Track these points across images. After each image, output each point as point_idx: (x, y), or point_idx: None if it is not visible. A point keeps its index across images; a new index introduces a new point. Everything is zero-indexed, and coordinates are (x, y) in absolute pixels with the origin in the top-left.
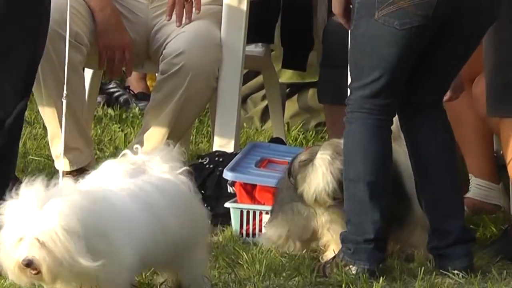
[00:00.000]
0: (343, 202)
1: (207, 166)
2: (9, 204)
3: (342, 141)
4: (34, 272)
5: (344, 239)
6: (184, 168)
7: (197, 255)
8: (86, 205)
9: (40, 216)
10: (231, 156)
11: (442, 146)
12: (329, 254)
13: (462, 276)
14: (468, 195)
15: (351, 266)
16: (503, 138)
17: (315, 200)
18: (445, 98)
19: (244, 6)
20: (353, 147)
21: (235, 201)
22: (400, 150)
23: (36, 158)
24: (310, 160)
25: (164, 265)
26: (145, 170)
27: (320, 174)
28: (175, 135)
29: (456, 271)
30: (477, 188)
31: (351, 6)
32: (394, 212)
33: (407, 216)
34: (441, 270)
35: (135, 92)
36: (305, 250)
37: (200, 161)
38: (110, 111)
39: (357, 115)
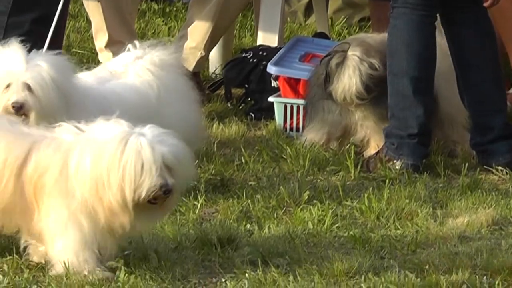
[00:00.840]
0: (373, 100)
1: (251, 60)
2: None
3: (370, 35)
4: (21, 117)
5: (387, 134)
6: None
7: None
8: (68, 66)
9: (28, 64)
10: (275, 50)
11: (484, 41)
12: (371, 148)
13: (506, 172)
14: (510, 91)
15: (394, 161)
16: None
17: (343, 100)
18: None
19: None
20: (397, 43)
21: (279, 95)
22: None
23: (79, 51)
24: (342, 61)
25: None
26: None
27: (347, 75)
28: (219, 29)
29: (500, 167)
30: None
31: None
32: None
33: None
34: (484, 166)
35: None
36: (348, 145)
37: (243, 55)
38: (153, 5)
39: (401, 10)
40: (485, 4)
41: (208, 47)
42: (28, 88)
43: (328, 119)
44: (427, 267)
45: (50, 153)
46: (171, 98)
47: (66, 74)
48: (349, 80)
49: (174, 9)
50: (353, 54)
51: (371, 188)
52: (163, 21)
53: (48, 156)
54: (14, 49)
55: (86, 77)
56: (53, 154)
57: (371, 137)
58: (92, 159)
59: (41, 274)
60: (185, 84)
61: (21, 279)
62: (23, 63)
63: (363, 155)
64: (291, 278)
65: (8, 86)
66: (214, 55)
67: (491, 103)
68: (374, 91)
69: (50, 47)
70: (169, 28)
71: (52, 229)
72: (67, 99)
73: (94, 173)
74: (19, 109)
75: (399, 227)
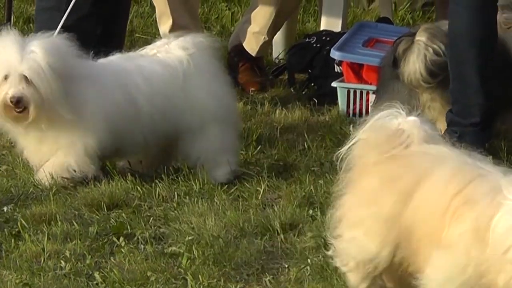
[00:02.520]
0: (441, 83)
1: (314, 45)
2: None
3: (443, 22)
4: (19, 110)
5: (450, 122)
6: (190, 52)
7: (209, 139)
8: (67, 45)
9: (25, 54)
10: (338, 35)
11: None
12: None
13: None
14: None
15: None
16: None
17: (410, 83)
18: None
19: None
20: (458, 29)
21: (342, 81)
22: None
23: (143, 36)
24: (409, 46)
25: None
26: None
27: (412, 61)
28: (283, 14)
29: None
30: None
31: None
32: (504, 95)
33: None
34: None
35: None
36: None
37: (307, 40)
38: None
39: None
40: None
41: (272, 32)
42: (26, 79)
43: (397, 94)
44: None
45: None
46: (201, 76)
47: (64, 55)
48: (414, 65)
49: None
50: (419, 39)
51: None
52: (226, 6)
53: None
54: (9, 37)
55: (113, 57)
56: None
57: (438, 119)
58: None
59: (103, 260)
60: (218, 66)
61: (83, 265)
62: (19, 53)
63: None
64: None
65: (6, 77)
66: (278, 40)
67: None
68: (439, 76)
69: (115, 33)
70: (232, 13)
71: None
72: (68, 79)
73: None
74: (18, 103)
75: None
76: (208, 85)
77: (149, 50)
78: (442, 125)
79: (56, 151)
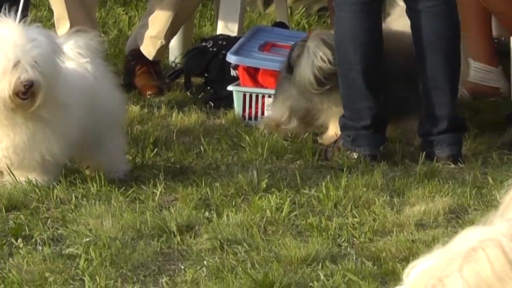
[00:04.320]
0: (331, 89)
1: (211, 49)
2: None
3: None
4: (25, 97)
5: (343, 126)
6: (90, 59)
7: (112, 142)
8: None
9: (30, 39)
10: (234, 39)
11: (442, 32)
12: (329, 134)
13: (460, 162)
14: (467, 78)
15: (352, 152)
16: None
17: (303, 88)
18: None
19: None
20: (343, 34)
21: (238, 84)
22: None
23: None
24: (301, 52)
25: (81, 153)
26: None
27: (302, 67)
28: (180, 18)
29: (442, 159)
30: (476, 71)
31: None
32: (399, 98)
33: (413, 102)
34: (426, 156)
35: None
36: (307, 134)
37: (203, 44)
38: None
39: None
40: None
41: (169, 36)
42: (34, 66)
43: (291, 94)
44: (384, 254)
45: None
46: (102, 81)
47: (59, 49)
48: (304, 71)
49: None
50: (309, 45)
51: (329, 176)
52: (123, 11)
53: None
54: (11, 24)
55: None
56: None
57: (330, 121)
58: None
59: (2, 261)
60: (106, 66)
61: None
62: (26, 42)
63: (321, 144)
64: (249, 265)
65: (15, 64)
66: (174, 44)
67: (445, 93)
68: (326, 84)
69: None
70: (129, 17)
71: None
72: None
73: None
74: (29, 88)
75: (356, 215)
76: (108, 89)
77: None
78: (334, 129)
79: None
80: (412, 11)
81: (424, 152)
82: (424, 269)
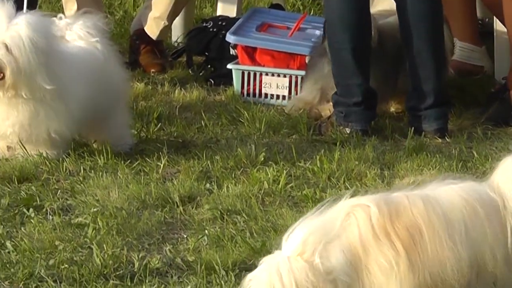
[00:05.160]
0: None
1: (211, 29)
2: None
3: None
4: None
5: (335, 102)
6: (97, 38)
7: (118, 117)
8: (53, 28)
9: (8, 24)
10: (233, 20)
11: (428, 9)
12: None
13: (446, 137)
14: (453, 57)
15: (344, 127)
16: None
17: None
18: None
19: None
20: (332, 16)
21: (237, 63)
22: None
23: None
24: None
25: (89, 127)
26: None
27: None
28: (181, 0)
29: (429, 133)
30: (461, 50)
31: None
32: (390, 74)
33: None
34: (414, 131)
35: None
36: (302, 110)
37: (204, 24)
38: None
39: None
40: None
41: (171, 17)
42: (6, 47)
43: (323, 75)
44: None
45: None
46: (110, 60)
47: (47, 35)
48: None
49: None
50: None
51: (322, 150)
52: None
53: None
54: (1, 9)
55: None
56: None
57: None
58: None
59: (14, 230)
60: (113, 46)
61: None
62: (5, 23)
63: (315, 119)
64: (247, 234)
65: None
66: (177, 25)
67: (430, 70)
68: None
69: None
70: None
71: None
72: (48, 60)
73: None
74: None
75: (349, 186)
76: (115, 67)
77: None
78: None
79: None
80: None
81: (413, 127)
82: (305, 233)
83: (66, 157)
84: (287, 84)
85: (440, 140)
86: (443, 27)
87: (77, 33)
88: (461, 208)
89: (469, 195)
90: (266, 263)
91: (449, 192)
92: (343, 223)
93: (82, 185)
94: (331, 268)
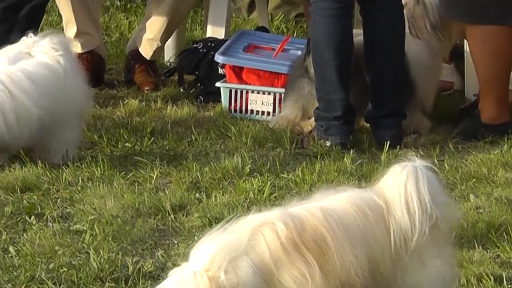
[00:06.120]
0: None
1: (201, 50)
2: None
3: None
4: None
5: (317, 117)
6: (61, 53)
7: (67, 134)
8: None
9: None
10: (222, 42)
11: (388, 30)
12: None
13: (423, 150)
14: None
15: (325, 141)
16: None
17: None
18: None
19: None
20: (318, 36)
21: (225, 81)
22: (409, 41)
23: None
24: None
25: (35, 142)
26: (29, 53)
27: None
28: (174, 23)
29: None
30: None
31: None
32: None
33: (411, 100)
34: (374, 139)
35: None
36: (287, 125)
37: (194, 46)
38: (116, 1)
39: (320, 5)
40: None
41: (164, 39)
42: None
43: (303, 94)
44: None
45: None
46: (72, 75)
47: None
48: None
49: (134, 5)
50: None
51: (304, 162)
52: (124, 16)
53: None
54: None
55: None
56: None
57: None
58: None
59: (17, 236)
60: (76, 62)
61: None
62: None
63: (298, 134)
64: None
65: None
66: (169, 46)
67: (387, 86)
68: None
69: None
70: (129, 22)
71: None
72: None
73: None
74: None
75: None
76: (75, 81)
77: (21, 47)
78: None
79: None
80: (365, 12)
81: (372, 134)
82: (214, 250)
83: (66, 168)
84: (272, 101)
85: (414, 152)
86: (404, 43)
87: (42, 48)
88: (352, 213)
89: (357, 201)
90: (174, 277)
91: (340, 199)
92: (250, 242)
93: (80, 194)
94: (237, 283)
